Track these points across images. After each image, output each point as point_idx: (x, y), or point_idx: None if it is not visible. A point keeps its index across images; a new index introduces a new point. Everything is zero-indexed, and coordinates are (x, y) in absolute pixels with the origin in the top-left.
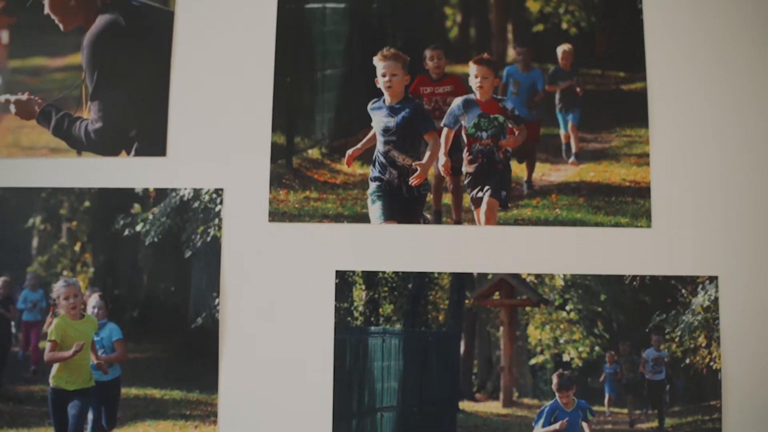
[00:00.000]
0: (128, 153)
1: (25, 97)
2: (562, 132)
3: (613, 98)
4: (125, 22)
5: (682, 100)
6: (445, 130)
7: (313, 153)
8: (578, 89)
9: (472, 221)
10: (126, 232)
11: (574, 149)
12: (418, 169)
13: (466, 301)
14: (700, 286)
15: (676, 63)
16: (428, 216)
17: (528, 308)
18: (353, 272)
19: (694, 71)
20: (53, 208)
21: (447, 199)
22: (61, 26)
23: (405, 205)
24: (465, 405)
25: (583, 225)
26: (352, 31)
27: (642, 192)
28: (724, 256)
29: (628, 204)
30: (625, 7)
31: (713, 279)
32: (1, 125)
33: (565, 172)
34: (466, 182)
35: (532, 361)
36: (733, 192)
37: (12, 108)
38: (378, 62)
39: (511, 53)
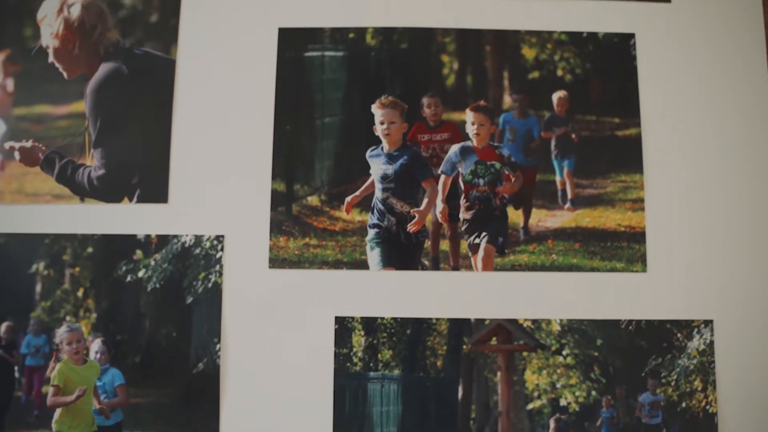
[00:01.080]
0: (130, 200)
1: (29, 144)
2: (557, 178)
3: (608, 144)
4: (128, 70)
5: (676, 145)
6: (442, 177)
7: (313, 200)
8: (574, 135)
9: (469, 267)
10: (128, 278)
11: (569, 195)
12: (416, 216)
13: (464, 347)
14: (696, 329)
15: (670, 109)
16: (426, 262)
17: (525, 353)
18: (352, 318)
19: (687, 117)
20: (56, 254)
21: (445, 245)
22: (65, 74)
23: (403, 252)
24: None
25: (579, 270)
26: (351, 79)
27: (637, 237)
28: (718, 299)
29: (624, 249)
30: (619, 53)
31: (708, 323)
32: (6, 172)
33: (561, 218)
34: (463, 229)
35: (530, 406)
36: (728, 236)
37: (16, 155)
38: (376, 110)
39: (508, 100)
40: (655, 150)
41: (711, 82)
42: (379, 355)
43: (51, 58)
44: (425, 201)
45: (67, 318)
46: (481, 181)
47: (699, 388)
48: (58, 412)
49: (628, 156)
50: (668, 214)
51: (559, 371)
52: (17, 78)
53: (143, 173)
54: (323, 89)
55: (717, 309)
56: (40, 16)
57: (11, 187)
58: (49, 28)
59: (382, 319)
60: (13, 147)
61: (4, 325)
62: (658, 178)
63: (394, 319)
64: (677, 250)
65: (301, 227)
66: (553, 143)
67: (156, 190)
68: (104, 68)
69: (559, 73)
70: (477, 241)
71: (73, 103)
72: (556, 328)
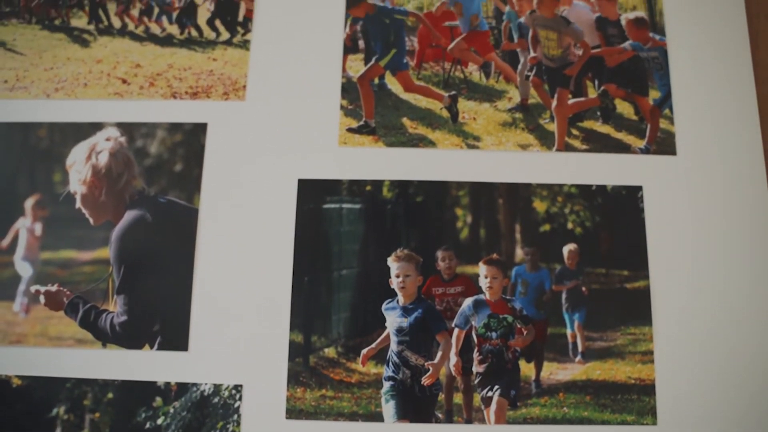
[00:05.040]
0: (151, 347)
1: (54, 288)
2: (568, 331)
3: (618, 297)
4: (152, 218)
5: (684, 297)
6: (456, 331)
7: (330, 352)
8: (584, 289)
9: (482, 420)
10: (147, 425)
11: (580, 348)
12: (431, 369)
13: None
14: None
15: (678, 260)
16: (440, 415)
17: None
18: None
19: (695, 269)
20: (77, 399)
21: (458, 398)
22: (91, 220)
23: (417, 405)
24: None
25: (590, 423)
26: (367, 232)
27: (647, 389)
28: None
29: (634, 401)
30: (627, 206)
31: None
32: (30, 315)
33: (572, 371)
34: (476, 382)
35: None
36: (738, 389)
37: (41, 299)
38: (392, 263)
39: (519, 253)
40: (663, 302)
41: (717, 234)
42: None
43: (78, 204)
44: (439, 354)
45: None
46: (494, 335)
47: None
48: None
49: (637, 308)
50: (677, 367)
51: None
52: (45, 222)
53: (164, 321)
54: (341, 241)
55: None
56: (69, 162)
57: (35, 330)
58: (78, 175)
59: None
60: (39, 291)
61: None
62: (666, 330)
63: None
64: (687, 403)
65: (317, 378)
66: (563, 296)
67: (176, 338)
68: (129, 215)
69: (570, 225)
70: (490, 394)
71: (97, 250)
72: None
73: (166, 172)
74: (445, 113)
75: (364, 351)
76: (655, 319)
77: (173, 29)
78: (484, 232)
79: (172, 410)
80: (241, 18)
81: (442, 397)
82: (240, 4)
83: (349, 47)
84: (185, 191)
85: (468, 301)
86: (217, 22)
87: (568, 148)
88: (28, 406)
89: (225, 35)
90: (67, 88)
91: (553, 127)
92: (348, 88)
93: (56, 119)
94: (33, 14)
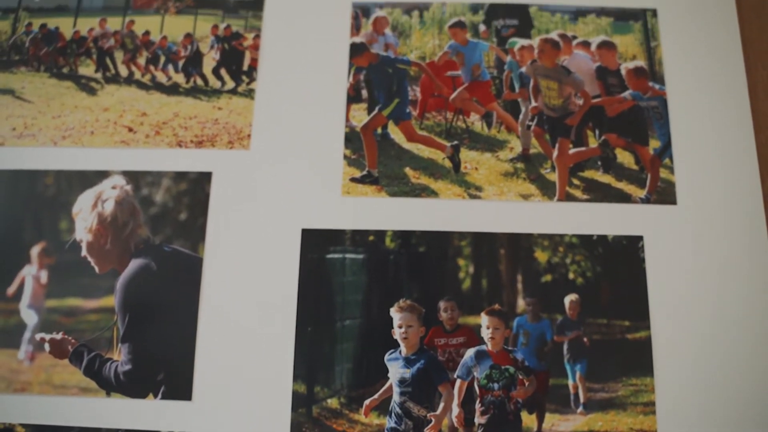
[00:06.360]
0: (155, 396)
1: (59, 336)
2: (570, 382)
3: (619, 347)
4: (156, 267)
5: (686, 347)
6: (458, 382)
7: (332, 402)
8: (585, 339)
9: None
10: None
11: (582, 399)
12: (433, 420)
13: None
14: None
15: (679, 310)
16: None
17: None
18: None
19: (696, 320)
20: None
21: None
22: (96, 268)
23: None
24: None
25: None
26: (370, 282)
27: None
28: None
29: None
30: (628, 256)
31: None
32: (35, 363)
33: (574, 422)
34: None
35: None
36: None
37: (46, 346)
38: (394, 313)
39: (521, 303)
40: (664, 353)
41: (718, 283)
42: None
43: (84, 252)
44: (441, 405)
45: None
46: (496, 386)
47: None
48: None
49: (639, 359)
50: (679, 418)
51: None
52: (51, 270)
53: (169, 370)
54: (344, 291)
55: None
56: (76, 210)
57: (40, 378)
58: (84, 222)
59: None
60: (44, 339)
61: None
62: (668, 381)
63: None
64: None
65: (320, 429)
66: (565, 347)
67: (180, 388)
68: (134, 264)
69: (571, 276)
70: None
71: (103, 298)
72: None
73: (171, 221)
74: (448, 163)
75: (366, 402)
76: (656, 370)
77: (179, 78)
78: (486, 283)
79: None
80: (245, 67)
81: None
82: (245, 53)
83: (353, 96)
84: (190, 240)
85: (470, 352)
86: (223, 71)
87: (569, 197)
88: None
89: (230, 84)
90: (74, 135)
91: (554, 176)
92: (351, 138)
93: (63, 167)
94: (41, 62)
